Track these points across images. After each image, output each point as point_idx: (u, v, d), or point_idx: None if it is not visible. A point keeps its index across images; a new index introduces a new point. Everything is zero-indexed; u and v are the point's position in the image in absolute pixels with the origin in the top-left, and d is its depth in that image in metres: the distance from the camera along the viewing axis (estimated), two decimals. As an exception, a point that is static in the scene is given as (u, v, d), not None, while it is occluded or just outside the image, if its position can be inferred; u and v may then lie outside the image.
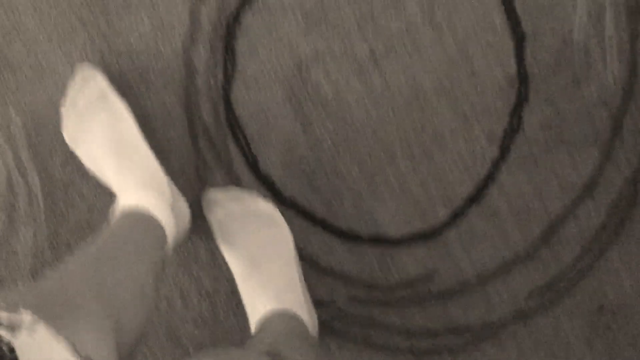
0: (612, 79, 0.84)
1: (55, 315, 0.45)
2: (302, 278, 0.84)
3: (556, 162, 0.86)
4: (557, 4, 0.83)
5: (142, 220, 0.74)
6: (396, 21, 0.83)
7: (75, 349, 0.41)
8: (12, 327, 0.39)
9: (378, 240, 0.88)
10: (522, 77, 0.85)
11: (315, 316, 0.84)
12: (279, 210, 0.84)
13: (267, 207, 0.84)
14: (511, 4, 0.83)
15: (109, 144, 0.79)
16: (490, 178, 0.87)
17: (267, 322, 0.78)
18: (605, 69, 0.84)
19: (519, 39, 0.84)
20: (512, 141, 0.86)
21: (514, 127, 0.86)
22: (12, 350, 0.37)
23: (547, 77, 0.84)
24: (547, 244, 0.88)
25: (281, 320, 0.78)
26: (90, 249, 0.65)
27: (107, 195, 0.84)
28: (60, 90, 0.83)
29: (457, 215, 0.87)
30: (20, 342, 0.38)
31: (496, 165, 0.86)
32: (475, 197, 0.87)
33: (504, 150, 0.86)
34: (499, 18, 0.83)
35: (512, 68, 0.84)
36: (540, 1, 0.83)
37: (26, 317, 0.41)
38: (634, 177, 0.86)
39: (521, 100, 0.85)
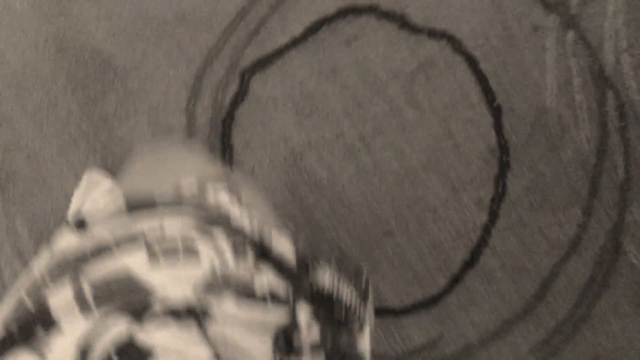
0: (585, 141, 0.90)
1: None
2: None
3: (542, 223, 0.91)
4: (528, 76, 0.89)
5: None
6: (381, 105, 0.88)
7: None
8: None
9: (382, 312, 0.91)
10: (503, 147, 0.90)
11: None
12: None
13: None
14: (486, 80, 0.89)
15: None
16: (482, 243, 0.91)
17: None
18: (578, 132, 0.90)
19: (496, 112, 0.89)
20: (500, 206, 0.91)
21: (500, 193, 0.91)
22: None
23: (526, 145, 0.90)
24: (542, 301, 0.92)
25: None
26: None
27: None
28: (64, 198, 0.85)
29: (455, 281, 0.91)
30: None
31: (487, 230, 0.91)
32: (470, 262, 0.91)
33: (493, 215, 0.91)
34: (475, 95, 0.89)
35: (493, 139, 0.90)
36: (512, 75, 0.89)
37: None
38: (615, 229, 0.91)
39: (504, 168, 0.90)
